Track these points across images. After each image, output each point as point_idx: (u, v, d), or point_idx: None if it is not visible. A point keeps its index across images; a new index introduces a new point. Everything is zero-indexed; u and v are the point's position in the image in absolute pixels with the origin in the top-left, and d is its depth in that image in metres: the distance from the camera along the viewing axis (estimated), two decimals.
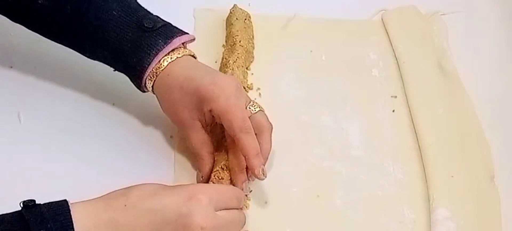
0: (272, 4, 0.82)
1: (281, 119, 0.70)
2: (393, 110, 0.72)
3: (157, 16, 0.63)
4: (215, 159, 0.63)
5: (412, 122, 0.70)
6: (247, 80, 0.72)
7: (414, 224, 0.62)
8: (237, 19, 0.76)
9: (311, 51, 0.78)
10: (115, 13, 0.61)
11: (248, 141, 0.58)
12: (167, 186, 0.54)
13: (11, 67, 0.73)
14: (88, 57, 0.66)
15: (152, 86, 0.62)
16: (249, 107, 0.61)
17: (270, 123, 0.62)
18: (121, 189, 0.53)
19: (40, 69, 0.74)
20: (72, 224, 0.47)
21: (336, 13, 0.82)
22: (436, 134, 0.69)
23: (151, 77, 0.61)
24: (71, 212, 0.48)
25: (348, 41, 0.79)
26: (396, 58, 0.77)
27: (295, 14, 0.81)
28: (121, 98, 0.71)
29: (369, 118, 0.71)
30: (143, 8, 0.64)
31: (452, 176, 0.65)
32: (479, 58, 0.78)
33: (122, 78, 0.66)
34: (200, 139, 0.61)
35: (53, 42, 0.77)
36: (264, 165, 0.59)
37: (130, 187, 0.53)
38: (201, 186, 0.59)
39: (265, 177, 0.59)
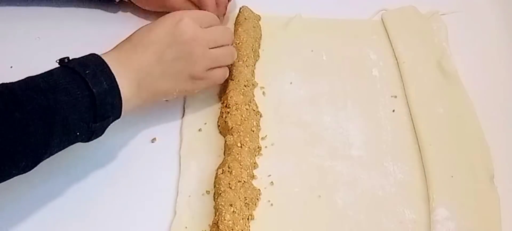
0: (273, 4, 0.82)
1: (283, 118, 0.70)
2: (393, 110, 0.72)
3: None
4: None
5: (412, 122, 0.70)
6: (253, 78, 0.73)
7: (414, 224, 0.62)
8: (245, 19, 0.77)
9: (312, 51, 0.78)
10: None
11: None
12: (155, 21, 0.65)
13: (11, 67, 0.73)
14: None
15: None
16: None
17: None
18: (122, 41, 0.63)
19: (40, 69, 0.74)
20: (107, 65, 0.58)
21: (336, 13, 0.82)
22: (436, 134, 0.69)
23: None
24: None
25: (348, 41, 0.80)
26: (396, 58, 0.77)
27: (296, 14, 0.81)
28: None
29: (369, 118, 0.71)
30: None
31: (452, 176, 0.65)
32: (479, 58, 0.78)
33: None
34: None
35: (53, 41, 0.78)
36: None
37: (129, 35, 0.64)
38: (181, 11, 0.67)
39: None
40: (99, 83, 0.56)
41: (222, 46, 0.67)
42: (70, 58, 0.58)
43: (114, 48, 0.62)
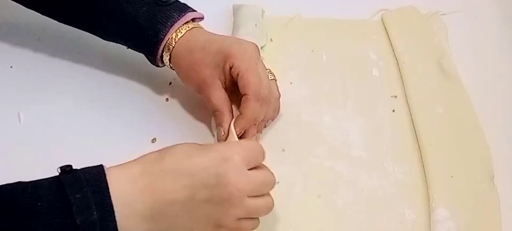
0: (274, 4, 0.82)
1: (283, 118, 0.70)
2: (393, 110, 0.72)
3: None
4: None
5: (412, 122, 0.70)
6: None
7: (414, 224, 0.62)
8: None
9: (312, 51, 0.78)
10: None
11: (256, 107, 0.62)
12: (198, 145, 0.54)
13: (11, 67, 0.74)
14: (102, 36, 0.69)
15: (169, 59, 0.65)
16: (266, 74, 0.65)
17: (279, 93, 0.67)
18: (154, 152, 0.53)
19: (40, 69, 0.74)
20: (108, 189, 0.48)
21: (336, 13, 0.82)
22: (436, 134, 0.69)
23: (167, 49, 0.64)
24: (107, 177, 0.49)
25: (348, 41, 0.80)
26: (396, 58, 0.77)
27: (296, 14, 0.81)
28: (122, 100, 0.71)
29: (369, 117, 0.71)
30: None
31: (452, 176, 0.65)
32: (479, 58, 0.78)
33: (119, 81, 0.66)
34: (221, 97, 0.64)
35: (53, 41, 0.78)
36: (260, 133, 0.66)
37: (163, 149, 0.53)
38: (232, 145, 0.57)
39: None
40: (87, 211, 0.47)
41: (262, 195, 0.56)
42: (73, 168, 0.49)
43: (138, 160, 0.52)
